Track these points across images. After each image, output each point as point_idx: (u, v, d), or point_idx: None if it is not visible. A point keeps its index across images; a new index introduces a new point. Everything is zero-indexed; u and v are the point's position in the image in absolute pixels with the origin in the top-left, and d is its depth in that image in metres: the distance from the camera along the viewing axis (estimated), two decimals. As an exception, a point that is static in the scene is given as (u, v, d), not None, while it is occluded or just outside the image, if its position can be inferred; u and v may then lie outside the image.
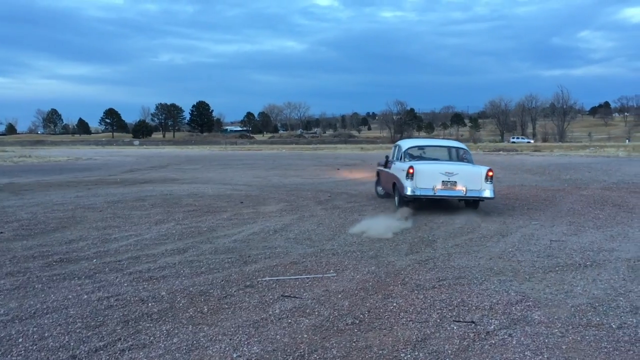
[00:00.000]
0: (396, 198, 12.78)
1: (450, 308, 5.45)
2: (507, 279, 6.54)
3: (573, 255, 7.77)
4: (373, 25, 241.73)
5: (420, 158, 13.16)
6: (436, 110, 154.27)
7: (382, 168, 14.66)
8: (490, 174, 11.71)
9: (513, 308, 5.43)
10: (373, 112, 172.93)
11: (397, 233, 9.39)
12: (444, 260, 7.52)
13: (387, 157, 14.35)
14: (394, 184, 12.83)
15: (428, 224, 10.35)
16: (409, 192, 11.71)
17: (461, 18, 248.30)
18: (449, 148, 13.83)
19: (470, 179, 11.72)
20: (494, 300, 5.68)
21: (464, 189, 11.58)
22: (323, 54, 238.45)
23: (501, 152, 53.34)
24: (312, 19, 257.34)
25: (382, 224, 9.86)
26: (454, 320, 5.09)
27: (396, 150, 13.82)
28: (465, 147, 13.71)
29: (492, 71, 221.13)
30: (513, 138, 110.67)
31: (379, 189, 15.07)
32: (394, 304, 5.59)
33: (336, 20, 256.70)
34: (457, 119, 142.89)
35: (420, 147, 13.82)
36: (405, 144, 13.80)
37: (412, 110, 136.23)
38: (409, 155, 13.10)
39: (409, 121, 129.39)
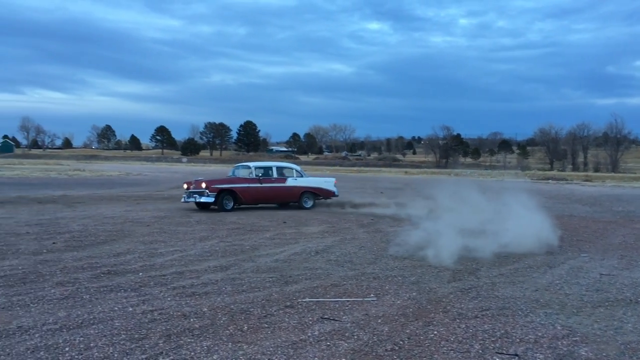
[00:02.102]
0: (312, 202, 19.06)
1: (493, 339, 5.33)
2: (553, 312, 6.35)
3: (624, 290, 7.49)
4: (422, 50, 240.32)
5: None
6: (483, 136, 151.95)
7: (252, 184, 18.10)
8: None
9: (559, 342, 5.27)
10: (418, 136, 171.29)
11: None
12: (488, 289, 7.37)
13: (260, 175, 18.30)
14: (303, 194, 18.90)
15: (472, 252, 10.17)
16: (336, 193, 19.80)
17: (511, 44, 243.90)
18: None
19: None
20: (539, 334, 5.52)
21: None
22: (370, 77, 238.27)
23: (550, 180, 52.05)
24: (360, 43, 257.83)
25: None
26: (496, 352, 4.97)
27: (284, 171, 19.32)
28: None
29: (542, 98, 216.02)
30: None
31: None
32: (435, 332, 5.51)
33: (385, 44, 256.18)
34: (505, 145, 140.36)
35: (300, 170, 19.88)
36: (293, 166, 20.71)
37: (458, 135, 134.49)
38: (302, 173, 19.59)
39: (455, 146, 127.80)
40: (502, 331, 5.59)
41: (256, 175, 18.26)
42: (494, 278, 8.09)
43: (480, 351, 5.00)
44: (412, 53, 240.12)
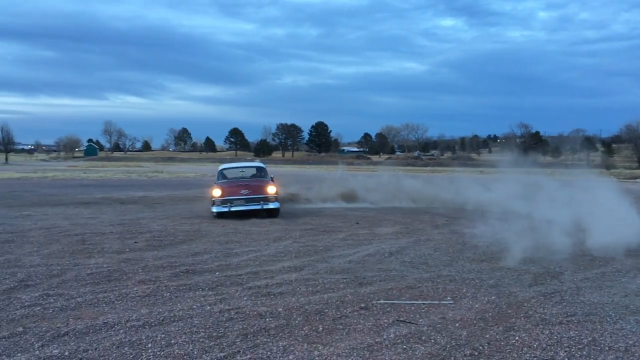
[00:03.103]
0: None
1: (579, 347, 5.06)
2: (645, 319, 5.96)
3: None
4: (498, 46, 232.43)
5: None
6: (564, 133, 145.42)
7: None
8: None
9: (653, 352, 4.93)
10: (494, 135, 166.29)
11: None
12: (573, 294, 7.01)
13: (272, 176, 17.28)
14: None
15: (555, 254, 9.74)
16: None
17: (595, 37, 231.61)
18: None
19: None
20: (631, 342, 5.19)
21: None
22: (444, 75, 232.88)
23: (638, 179, 49.17)
24: (434, 40, 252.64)
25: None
26: (584, 361, 4.71)
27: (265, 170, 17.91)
28: None
29: (628, 93, 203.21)
30: None
31: (271, 205, 15.46)
32: (517, 338, 5.29)
33: (459, 41, 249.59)
34: (588, 143, 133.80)
35: None
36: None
37: (537, 133, 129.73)
38: None
39: (534, 144, 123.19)
40: (590, 338, 5.29)
41: (270, 177, 17.15)
42: (579, 282, 7.69)
43: (566, 359, 4.75)
44: (488, 49, 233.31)
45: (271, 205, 15.33)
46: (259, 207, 15.18)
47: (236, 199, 15.22)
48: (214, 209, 15.07)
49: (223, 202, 15.04)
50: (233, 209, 15.03)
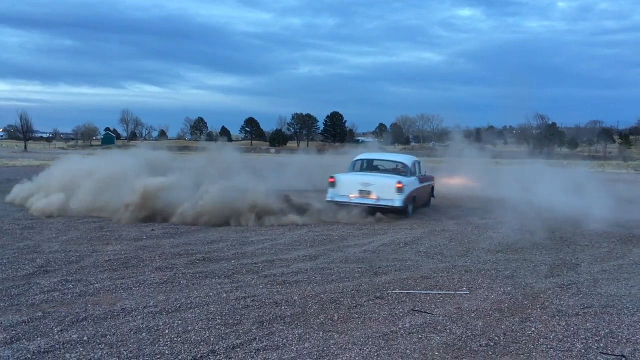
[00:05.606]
0: None
1: (596, 338, 5.03)
2: (664, 312, 5.90)
3: None
4: (516, 36, 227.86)
5: None
6: (581, 124, 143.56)
7: None
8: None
9: (671, 345, 4.88)
10: (510, 126, 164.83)
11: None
12: (589, 286, 6.97)
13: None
14: None
15: (570, 246, 9.68)
16: None
17: (615, 27, 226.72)
18: None
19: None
20: (649, 335, 5.15)
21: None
22: (460, 65, 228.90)
23: (656, 171, 48.48)
24: (451, 30, 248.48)
25: None
26: (601, 352, 4.69)
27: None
28: None
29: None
30: None
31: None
32: (533, 329, 5.28)
33: (477, 31, 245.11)
34: (605, 134, 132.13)
35: None
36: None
37: (553, 124, 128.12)
38: None
39: (550, 136, 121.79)
40: (607, 330, 5.26)
41: None
42: (596, 274, 7.64)
43: (583, 350, 4.73)
44: (505, 39, 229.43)
45: None
46: None
47: None
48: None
49: None
50: None
